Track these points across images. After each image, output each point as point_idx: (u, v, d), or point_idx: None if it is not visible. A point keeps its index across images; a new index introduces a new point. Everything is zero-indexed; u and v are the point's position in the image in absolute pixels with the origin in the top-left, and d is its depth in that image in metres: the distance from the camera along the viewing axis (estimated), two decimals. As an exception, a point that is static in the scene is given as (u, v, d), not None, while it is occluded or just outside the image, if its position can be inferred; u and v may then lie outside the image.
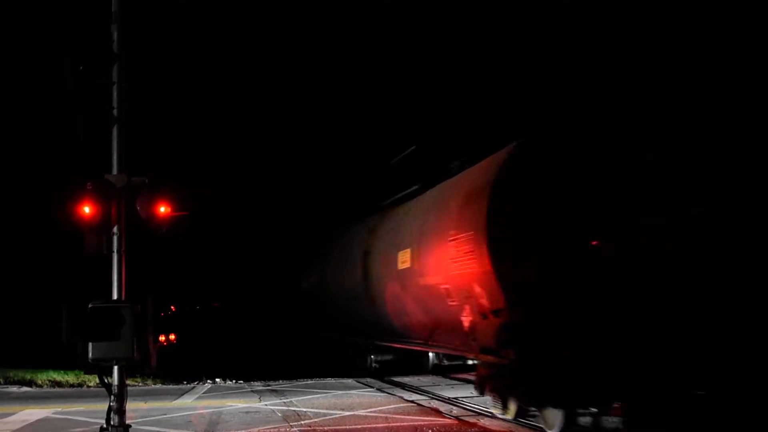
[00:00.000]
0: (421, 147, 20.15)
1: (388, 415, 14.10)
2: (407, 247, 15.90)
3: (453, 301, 13.52)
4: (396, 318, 17.68)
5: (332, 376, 21.39)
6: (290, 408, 15.35)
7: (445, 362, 21.93)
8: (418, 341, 16.89)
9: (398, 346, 18.80)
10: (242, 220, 43.14)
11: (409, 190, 18.75)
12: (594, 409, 10.99)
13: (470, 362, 21.26)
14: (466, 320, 13.02)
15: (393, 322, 17.98)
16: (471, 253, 12.31)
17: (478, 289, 12.27)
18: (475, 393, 16.83)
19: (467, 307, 12.93)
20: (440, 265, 13.92)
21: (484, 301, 12.19)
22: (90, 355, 9.17)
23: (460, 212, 13.19)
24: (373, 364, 21.92)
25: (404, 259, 15.99)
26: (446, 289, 13.71)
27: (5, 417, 14.65)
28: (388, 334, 18.82)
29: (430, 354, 21.38)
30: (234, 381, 21.20)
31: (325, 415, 14.36)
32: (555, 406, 11.25)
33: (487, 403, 15.27)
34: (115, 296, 9.63)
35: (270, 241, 39.43)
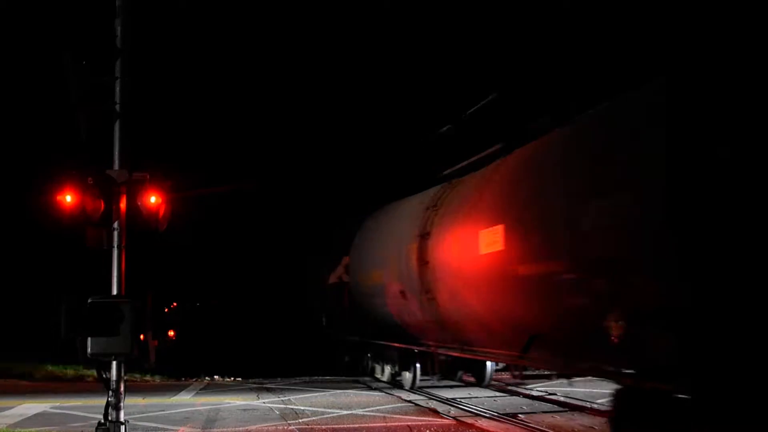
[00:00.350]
0: (502, 97, 16.31)
1: (386, 415, 14.09)
2: (497, 224, 11.68)
3: (579, 297, 9.56)
4: (470, 319, 13.47)
5: (333, 375, 21.39)
6: (288, 406, 15.36)
7: (516, 373, 16.48)
8: (506, 353, 12.72)
9: (471, 357, 14.84)
10: (248, 214, 42.74)
11: (486, 152, 14.37)
12: None
13: (556, 381, 17.51)
14: (614, 327, 8.95)
15: (464, 324, 13.80)
16: (630, 226, 8.45)
17: (638, 280, 8.49)
18: (473, 394, 16.82)
19: (614, 307, 8.94)
20: (562, 244, 9.93)
21: (649, 299, 8.39)
22: (89, 350, 9.17)
23: (606, 164, 9.15)
24: (420, 377, 17.91)
25: (492, 240, 11.84)
26: (571, 279, 9.71)
27: (3, 411, 14.65)
28: (453, 341, 14.75)
29: (488, 363, 17.78)
30: (232, 378, 21.20)
31: (322, 413, 14.35)
32: None
33: (484, 404, 15.26)
34: (114, 292, 9.62)
35: (279, 234, 38.77)
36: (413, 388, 17.65)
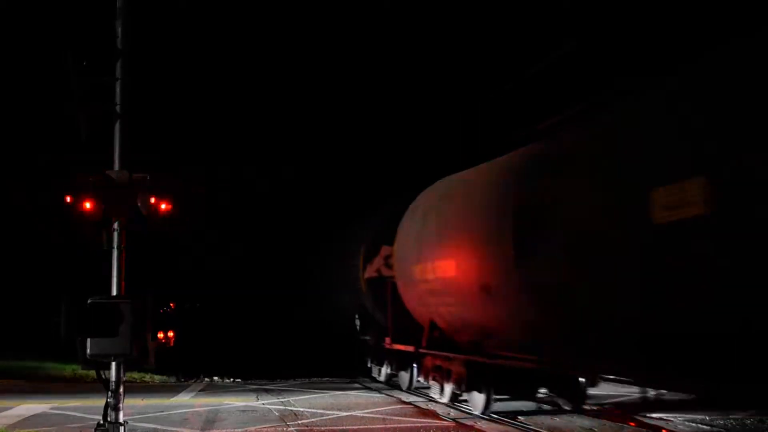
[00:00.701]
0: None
1: (386, 417, 14.09)
2: (690, 177, 7.63)
3: None
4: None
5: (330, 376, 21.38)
6: (287, 407, 15.34)
7: (650, 396, 12.46)
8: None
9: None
10: (250, 211, 42.57)
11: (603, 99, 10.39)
12: None
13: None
14: None
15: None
16: None
17: None
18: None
19: None
20: None
21: None
22: (88, 351, 9.17)
23: None
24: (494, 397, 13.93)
25: (679, 201, 7.67)
26: None
27: (3, 411, 14.64)
28: (575, 354, 10.67)
29: (581, 379, 13.60)
30: (232, 379, 21.19)
31: (322, 415, 14.34)
32: None
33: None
34: (114, 292, 9.63)
35: (284, 232, 38.44)
36: (486, 413, 13.86)
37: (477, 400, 14.16)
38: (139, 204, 9.86)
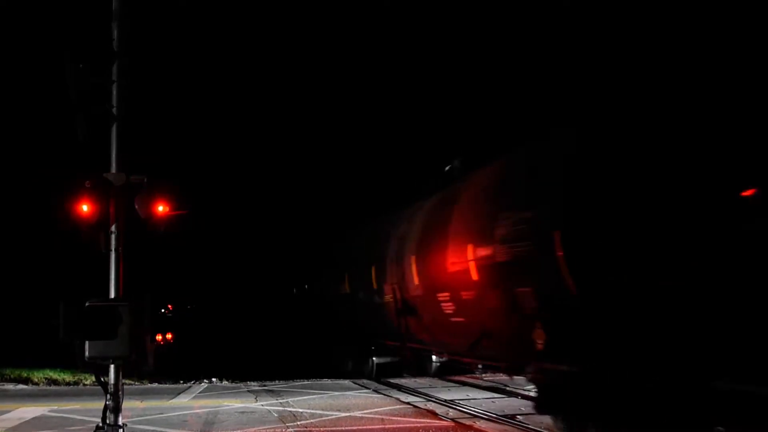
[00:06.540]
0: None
1: (384, 417, 14.09)
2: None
3: None
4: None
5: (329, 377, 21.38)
6: (286, 408, 15.35)
7: None
8: None
9: None
10: (247, 217, 42.79)
11: None
12: None
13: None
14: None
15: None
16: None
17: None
18: (471, 395, 16.81)
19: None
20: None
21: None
22: (86, 353, 9.17)
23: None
24: None
25: None
26: None
27: (2, 414, 14.64)
28: None
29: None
30: (230, 381, 21.18)
31: (321, 416, 14.35)
32: None
33: (482, 405, 15.26)
34: (112, 295, 9.63)
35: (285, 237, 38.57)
36: None
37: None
38: (136, 206, 9.87)
